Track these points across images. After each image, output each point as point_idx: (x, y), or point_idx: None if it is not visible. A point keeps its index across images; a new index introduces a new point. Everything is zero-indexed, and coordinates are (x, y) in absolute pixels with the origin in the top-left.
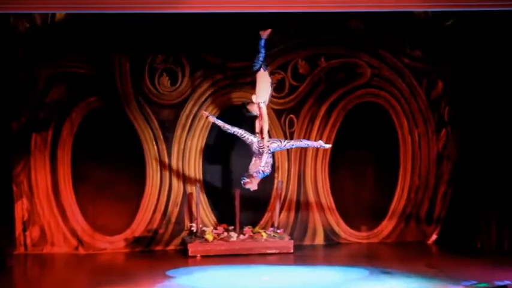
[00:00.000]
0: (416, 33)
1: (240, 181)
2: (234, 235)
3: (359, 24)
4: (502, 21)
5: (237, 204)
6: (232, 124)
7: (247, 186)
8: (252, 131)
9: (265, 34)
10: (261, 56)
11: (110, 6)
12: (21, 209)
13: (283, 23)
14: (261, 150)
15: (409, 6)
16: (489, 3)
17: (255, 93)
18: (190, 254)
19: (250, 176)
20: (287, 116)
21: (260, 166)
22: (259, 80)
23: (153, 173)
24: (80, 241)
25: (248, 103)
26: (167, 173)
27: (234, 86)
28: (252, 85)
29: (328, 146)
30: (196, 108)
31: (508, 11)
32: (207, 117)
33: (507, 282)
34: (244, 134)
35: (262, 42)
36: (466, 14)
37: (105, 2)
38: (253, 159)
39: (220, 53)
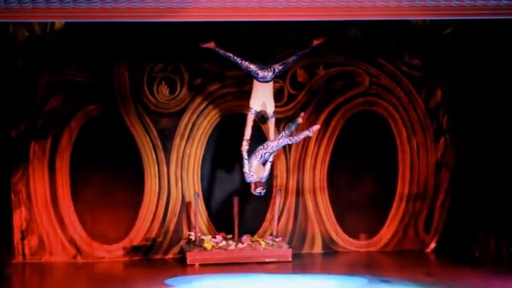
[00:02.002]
0: (414, 42)
1: (257, 192)
2: (232, 244)
3: (357, 32)
4: (500, 30)
5: (236, 212)
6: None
7: (263, 192)
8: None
9: (316, 42)
10: (289, 65)
11: (109, 15)
12: (19, 217)
13: (281, 32)
14: (266, 156)
15: (407, 15)
16: (488, 11)
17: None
18: (188, 262)
19: (262, 183)
20: (285, 124)
21: (267, 171)
22: (271, 89)
23: (151, 181)
24: (78, 250)
25: (264, 112)
26: (166, 182)
27: (233, 95)
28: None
29: (317, 127)
30: (195, 117)
31: (507, 20)
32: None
33: None
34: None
35: (308, 51)
36: (465, 22)
37: (104, 11)
38: (254, 162)
39: (219, 62)
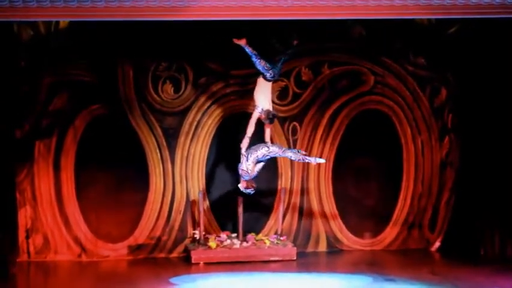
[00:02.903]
0: (419, 41)
1: (247, 191)
2: (237, 242)
3: (362, 31)
4: (505, 29)
5: (240, 211)
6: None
7: (252, 192)
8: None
9: (296, 42)
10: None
11: (113, 14)
12: (24, 216)
13: (286, 31)
14: (265, 158)
15: (412, 14)
16: (492, 10)
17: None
18: (193, 261)
19: (253, 182)
20: (290, 123)
21: (256, 171)
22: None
23: (156, 180)
24: (83, 248)
25: (273, 111)
26: (170, 180)
27: (237, 94)
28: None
29: (323, 161)
30: (199, 116)
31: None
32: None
33: None
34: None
35: (290, 51)
36: (470, 21)
37: (109, 10)
38: (251, 160)
39: (224, 61)
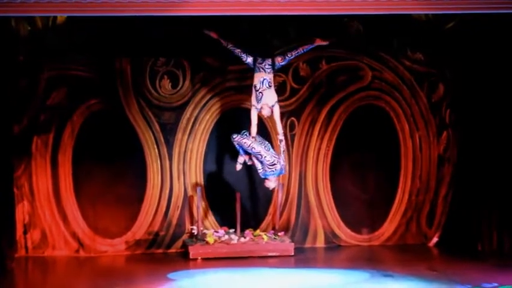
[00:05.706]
0: (417, 36)
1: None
2: (235, 238)
3: (360, 27)
4: (503, 24)
5: (238, 206)
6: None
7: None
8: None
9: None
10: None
11: (111, 9)
12: (22, 211)
13: (284, 26)
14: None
15: (410, 9)
16: (490, 5)
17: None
18: (191, 256)
19: None
20: (288, 118)
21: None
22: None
23: (154, 175)
24: (81, 244)
25: None
26: (168, 176)
27: (235, 89)
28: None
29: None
30: (197, 111)
31: (509, 14)
32: None
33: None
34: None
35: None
36: (467, 16)
37: (107, 5)
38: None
39: (221, 56)
